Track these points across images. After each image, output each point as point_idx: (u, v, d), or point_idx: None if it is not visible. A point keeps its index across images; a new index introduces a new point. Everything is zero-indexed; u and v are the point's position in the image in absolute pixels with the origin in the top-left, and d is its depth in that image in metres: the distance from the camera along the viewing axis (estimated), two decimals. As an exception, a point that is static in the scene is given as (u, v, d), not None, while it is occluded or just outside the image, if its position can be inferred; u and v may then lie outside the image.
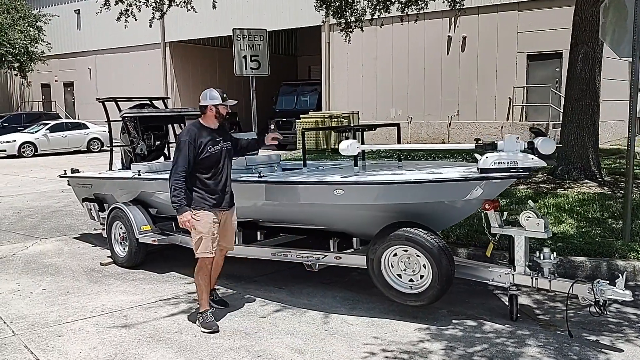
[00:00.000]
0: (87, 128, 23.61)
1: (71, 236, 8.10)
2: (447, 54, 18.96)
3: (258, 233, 5.93)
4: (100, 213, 7.18)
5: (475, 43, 18.37)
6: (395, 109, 20.17)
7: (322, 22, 15.92)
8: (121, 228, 6.46)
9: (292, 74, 30.14)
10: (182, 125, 7.93)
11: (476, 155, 4.26)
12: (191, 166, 4.39)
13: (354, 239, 5.22)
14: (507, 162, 4.05)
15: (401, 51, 19.69)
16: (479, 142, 4.26)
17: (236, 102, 4.60)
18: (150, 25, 12.37)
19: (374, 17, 14.47)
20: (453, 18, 18.58)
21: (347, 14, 14.50)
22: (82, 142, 23.26)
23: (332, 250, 5.22)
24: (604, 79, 16.52)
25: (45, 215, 9.77)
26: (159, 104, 8.60)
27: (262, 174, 4.93)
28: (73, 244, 7.63)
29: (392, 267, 4.49)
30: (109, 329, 4.57)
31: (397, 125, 5.47)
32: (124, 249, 6.44)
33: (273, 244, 5.93)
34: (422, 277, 4.39)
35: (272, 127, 22.25)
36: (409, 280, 4.45)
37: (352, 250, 5.29)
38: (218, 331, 4.41)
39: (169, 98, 8.20)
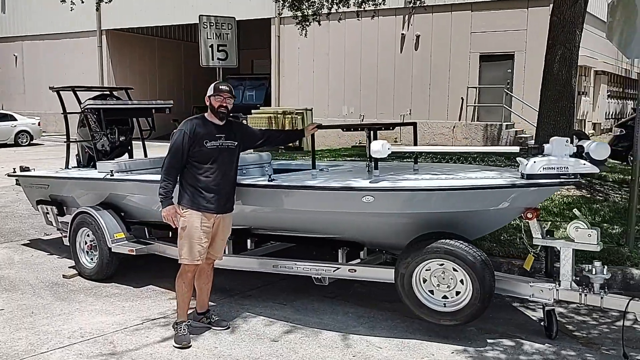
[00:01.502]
0: (15, 120, 21.80)
1: (19, 242, 7.15)
2: (401, 52, 18.82)
3: (248, 241, 5.36)
4: (59, 217, 6.33)
5: (428, 42, 18.33)
6: (347, 107, 19.85)
7: (279, 14, 15.32)
8: (88, 235, 5.67)
9: (233, 67, 29.21)
10: (149, 119, 7.17)
11: (519, 159, 3.88)
12: (185, 159, 4.06)
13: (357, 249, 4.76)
14: (557, 168, 3.70)
15: (354, 48, 19.38)
16: (525, 145, 3.88)
17: (227, 91, 4.19)
18: (98, 9, 11.35)
19: (332, 11, 14.06)
20: (407, 16, 18.46)
21: (305, 6, 14.00)
22: (9, 135, 21.42)
23: (340, 261, 4.73)
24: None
25: (-19, 217, 8.67)
26: (119, 96, 7.78)
27: (272, 177, 4.35)
28: (24, 252, 6.71)
29: (424, 282, 4.04)
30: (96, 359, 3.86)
31: (414, 124, 5.03)
32: (92, 259, 5.66)
33: (262, 253, 5.38)
34: (458, 293, 3.97)
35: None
36: (442, 297, 4.03)
37: (359, 261, 4.82)
38: (189, 347, 4.02)
39: (132, 88, 7.37)
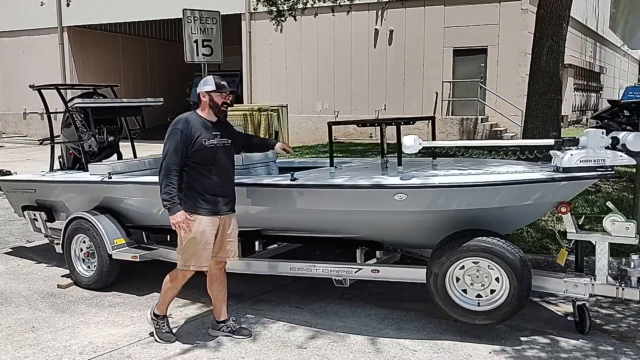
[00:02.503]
0: (-27, 121, 20.79)
1: (1, 251, 6.72)
2: (374, 47, 18.75)
3: (257, 243, 5.15)
4: (48, 224, 5.96)
5: (402, 37, 18.30)
6: (321, 103, 19.68)
7: (254, 9, 15.00)
8: (84, 242, 5.35)
9: (199, 65, 28.65)
10: (138, 117, 6.84)
11: (553, 152, 3.79)
12: (183, 160, 3.81)
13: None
14: (594, 160, 3.62)
15: (327, 43, 19.20)
16: (558, 138, 3.79)
17: (237, 91, 3.94)
18: (68, 4, 10.83)
19: (307, 6, 13.88)
20: (380, 11, 18.40)
21: (280, 2, 13.78)
22: (-34, 137, 20.47)
23: (358, 261, 4.56)
24: (527, 76, 17.19)
25: (-47, 225, 8.15)
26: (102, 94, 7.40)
27: (294, 177, 4.14)
28: (8, 261, 6.30)
29: (457, 281, 3.91)
30: (116, 376, 3.60)
31: (432, 118, 4.89)
32: (90, 267, 5.33)
33: (271, 255, 5.18)
34: (492, 292, 3.86)
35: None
36: (476, 296, 3.90)
37: (375, 261, 4.66)
38: (174, 342, 4.02)
39: (117, 86, 7.01)
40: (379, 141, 5.27)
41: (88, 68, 24.06)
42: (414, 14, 18.06)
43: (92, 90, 6.94)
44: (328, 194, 4.04)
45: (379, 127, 5.12)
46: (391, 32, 18.38)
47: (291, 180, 4.12)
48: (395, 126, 4.22)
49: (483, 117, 17.11)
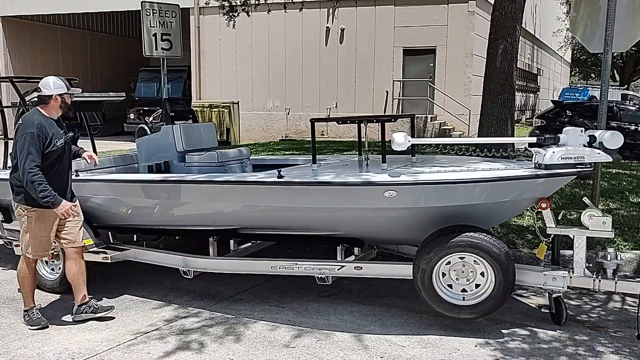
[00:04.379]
0: None
1: (-52, 254, 6.29)
2: (326, 45, 18.79)
3: (232, 242, 5.06)
4: (5, 225, 5.62)
5: (353, 35, 18.43)
6: (272, 100, 19.55)
7: (206, 3, 14.69)
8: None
9: (144, 59, 27.88)
10: (98, 112, 6.59)
11: (533, 149, 3.91)
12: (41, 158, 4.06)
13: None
14: (574, 157, 3.76)
15: (278, 40, 19.10)
16: (539, 136, 3.90)
17: (80, 90, 4.50)
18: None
19: (260, 2, 13.76)
20: (331, 9, 18.46)
21: (232, -4, 13.59)
22: None
23: (339, 259, 4.56)
24: (473, 76, 17.69)
25: None
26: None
27: (281, 174, 4.07)
28: (-41, 264, 5.91)
29: (443, 276, 3.97)
30: (99, 383, 3.44)
31: (412, 116, 4.94)
32: (54, 269, 5.07)
33: (245, 254, 5.12)
34: (477, 286, 3.94)
35: (132, 116, 20.36)
36: (461, 291, 3.98)
37: (354, 257, 4.68)
38: (47, 327, 4.21)
39: (76, 79, 6.70)
40: (356, 138, 5.30)
41: (24, 61, 22.93)
42: (364, 13, 18.23)
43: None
44: (316, 191, 4.01)
45: (350, 124, 5.12)
46: (342, 30, 18.48)
47: (278, 177, 4.06)
48: (379, 124, 4.21)
49: (432, 115, 17.49)
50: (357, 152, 5.18)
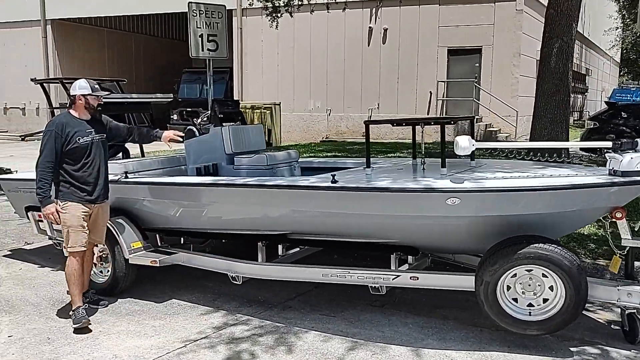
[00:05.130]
0: (-48, 116, 20.09)
1: (-2, 254, 6.37)
2: (368, 45, 18.57)
3: (280, 247, 4.91)
4: (55, 226, 5.62)
5: (396, 35, 18.16)
6: (313, 101, 19.45)
7: (249, 4, 14.67)
8: (96, 245, 5.03)
9: (187, 61, 28.19)
10: (146, 114, 6.55)
11: (610, 154, 3.63)
12: (58, 157, 4.29)
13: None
14: (655, 164, 3.46)
15: (320, 41, 18.98)
16: (616, 140, 3.62)
17: (107, 93, 4.55)
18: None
19: (303, 2, 13.66)
20: (374, 9, 18.23)
21: (276, -3, 13.53)
22: (-55, 132, 19.75)
23: (393, 267, 4.35)
24: (521, 76, 17.20)
25: (-57, 225, 7.73)
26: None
27: (335, 179, 3.90)
28: (9, 265, 5.96)
29: (508, 290, 3.73)
30: (150, 394, 3.33)
31: (472, 118, 4.70)
32: (102, 272, 5.04)
33: (293, 260, 4.97)
34: (545, 301, 3.68)
35: (175, 117, 20.54)
36: (527, 305, 3.72)
37: (407, 266, 4.46)
38: (88, 325, 4.23)
39: (124, 81, 6.71)
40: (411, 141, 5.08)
41: (72, 62, 23.45)
42: (408, 12, 17.93)
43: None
44: (372, 197, 3.82)
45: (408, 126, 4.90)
46: (385, 30, 18.23)
47: (332, 182, 3.88)
48: (439, 126, 4.00)
49: (477, 117, 17.05)
50: (412, 156, 4.96)
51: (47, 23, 22.76)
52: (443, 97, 17.75)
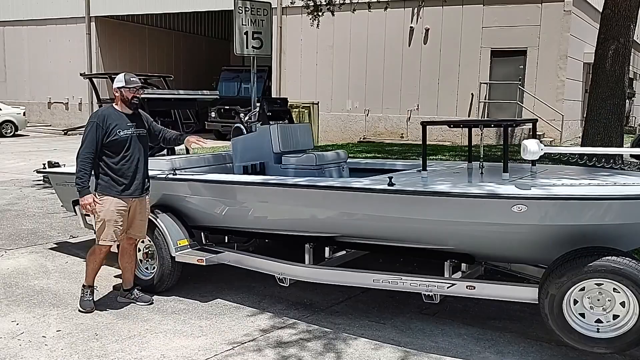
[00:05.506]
0: (-1, 109, 20.63)
1: (44, 246, 6.41)
2: (409, 45, 18.31)
3: (327, 249, 4.78)
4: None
5: (438, 36, 17.85)
6: (351, 101, 19.29)
7: (291, 2, 14.61)
8: (142, 242, 5.01)
9: (225, 59, 28.39)
10: (192, 110, 6.51)
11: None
12: (99, 149, 4.34)
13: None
14: None
15: (359, 40, 18.80)
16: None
17: (139, 85, 4.50)
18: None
19: (345, 1, 13.54)
20: (416, 8, 17.96)
21: (318, -5, 13.44)
22: (-8, 125, 20.29)
23: (446, 275, 4.17)
24: (567, 79, 16.71)
25: (-9, 216, 7.86)
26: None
27: (392, 181, 3.75)
28: (55, 257, 5.99)
29: (574, 304, 3.51)
30: (200, 397, 3.24)
31: (535, 121, 4.50)
32: (147, 268, 5.00)
33: (339, 263, 4.83)
34: (615, 317, 3.45)
35: (213, 115, 20.65)
36: (596, 321, 3.50)
37: (460, 274, 4.27)
38: (92, 312, 4.40)
39: (171, 77, 6.69)
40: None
41: (114, 59, 23.84)
42: (451, 12, 17.60)
43: (143, 81, 6.63)
44: (432, 201, 3.65)
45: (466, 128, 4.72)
46: (427, 30, 17.94)
47: (389, 185, 3.73)
48: (503, 129, 3.80)
49: (519, 120, 16.60)
50: (467, 159, 4.77)
51: (91, 20, 23.18)
52: (485, 99, 17.37)
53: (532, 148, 3.35)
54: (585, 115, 8.96)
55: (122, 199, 4.39)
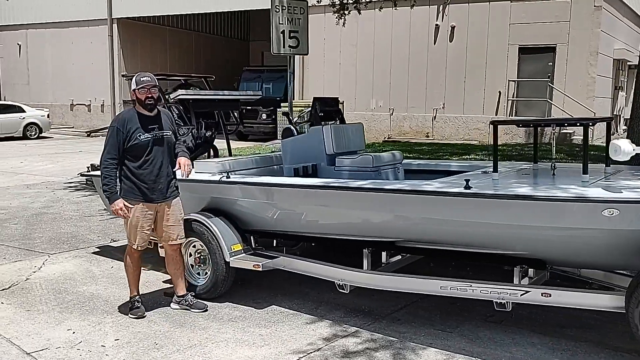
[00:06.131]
0: (23, 112, 20.76)
1: (87, 250, 6.33)
2: (434, 43, 18.08)
3: (383, 254, 4.62)
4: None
5: (464, 33, 17.60)
6: (376, 100, 19.10)
7: (317, 1, 14.48)
8: (194, 246, 4.89)
9: (244, 59, 28.34)
10: (234, 111, 6.39)
11: None
12: (121, 153, 4.26)
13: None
14: None
15: (384, 39, 18.60)
16: None
17: (151, 83, 4.26)
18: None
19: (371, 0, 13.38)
20: (442, 6, 17.72)
21: (344, -6, 13.28)
22: (17, 128, 20.42)
23: (515, 282, 3.99)
24: (597, 76, 16.35)
25: (28, 220, 7.81)
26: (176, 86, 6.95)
27: (469, 184, 3.58)
28: (100, 262, 5.89)
29: (664, 314, 3.32)
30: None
31: (610, 120, 4.30)
32: (200, 274, 4.87)
33: (396, 268, 4.67)
34: None
35: (236, 114, 20.52)
36: (688, 332, 3.30)
37: (528, 280, 4.08)
38: (143, 317, 4.36)
39: (212, 77, 6.57)
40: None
41: (135, 60, 23.89)
42: (477, 9, 17.35)
43: (184, 82, 6.53)
44: (514, 205, 3.47)
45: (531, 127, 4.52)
46: (453, 28, 17.70)
47: (465, 188, 3.56)
48: (582, 127, 3.61)
49: (549, 118, 16.32)
50: (533, 160, 4.57)
51: (113, 22, 23.24)
52: (513, 97, 17.09)
53: (625, 148, 3.17)
54: (630, 113, 8.69)
55: (144, 204, 4.31)
